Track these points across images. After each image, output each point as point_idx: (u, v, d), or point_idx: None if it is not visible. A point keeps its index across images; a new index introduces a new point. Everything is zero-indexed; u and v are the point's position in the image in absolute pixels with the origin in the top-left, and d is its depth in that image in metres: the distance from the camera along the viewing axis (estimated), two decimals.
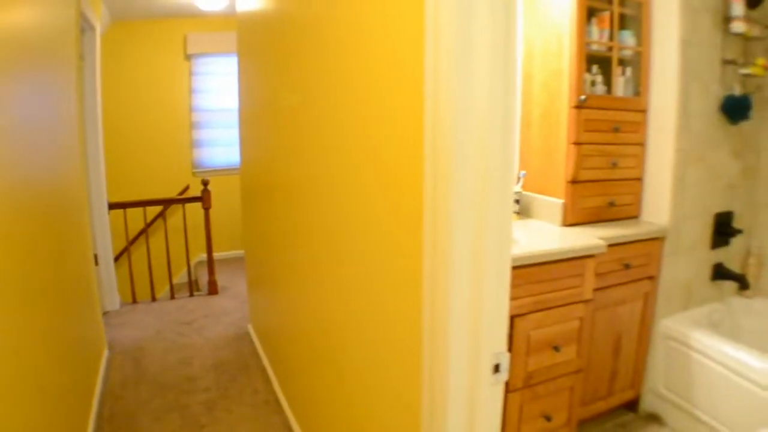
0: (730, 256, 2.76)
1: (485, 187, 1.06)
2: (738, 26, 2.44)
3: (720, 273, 2.68)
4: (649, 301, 2.43)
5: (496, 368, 1.14)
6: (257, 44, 2.75)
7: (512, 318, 1.81)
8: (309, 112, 1.92)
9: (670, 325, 2.46)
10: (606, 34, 2.36)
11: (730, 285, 2.77)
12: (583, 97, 2.24)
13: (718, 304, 2.70)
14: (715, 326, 2.61)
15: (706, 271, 2.66)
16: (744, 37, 2.57)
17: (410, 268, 1.23)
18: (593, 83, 2.38)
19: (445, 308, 1.09)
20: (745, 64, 2.54)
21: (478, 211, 1.06)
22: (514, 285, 1.73)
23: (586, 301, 2.03)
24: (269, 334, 3.03)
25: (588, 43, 2.29)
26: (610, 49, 2.36)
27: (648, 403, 2.56)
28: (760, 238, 2.83)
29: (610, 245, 2.15)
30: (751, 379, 2.06)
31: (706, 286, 2.67)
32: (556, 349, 1.96)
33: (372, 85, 1.38)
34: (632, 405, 2.56)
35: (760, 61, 2.55)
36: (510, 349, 1.82)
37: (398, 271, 1.31)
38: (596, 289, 2.16)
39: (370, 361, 1.53)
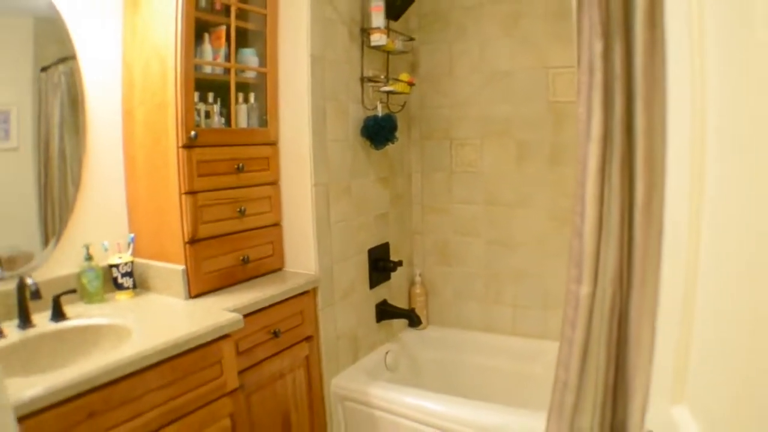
0: (394, 290, 2.61)
1: None
2: (378, 39, 2.26)
3: (385, 313, 2.48)
4: (312, 364, 2.07)
5: None
6: None
7: None
8: None
9: (342, 384, 2.16)
10: (222, 53, 1.94)
11: (401, 319, 2.61)
12: (193, 133, 1.75)
13: (391, 343, 2.52)
14: (392, 370, 2.42)
15: (371, 314, 2.43)
16: (386, 51, 2.41)
17: None
18: (208, 115, 1.93)
19: None
20: (388, 81, 2.37)
21: None
22: (129, 399, 1.32)
23: (232, 392, 1.64)
24: None
25: (199, 66, 1.86)
26: (228, 71, 1.94)
27: None
28: (420, 265, 2.76)
29: (250, 314, 1.76)
30: (437, 426, 1.91)
31: (373, 330, 2.45)
32: None
33: None
34: None
35: (404, 76, 2.42)
36: None
37: None
38: (244, 371, 1.76)
39: None
